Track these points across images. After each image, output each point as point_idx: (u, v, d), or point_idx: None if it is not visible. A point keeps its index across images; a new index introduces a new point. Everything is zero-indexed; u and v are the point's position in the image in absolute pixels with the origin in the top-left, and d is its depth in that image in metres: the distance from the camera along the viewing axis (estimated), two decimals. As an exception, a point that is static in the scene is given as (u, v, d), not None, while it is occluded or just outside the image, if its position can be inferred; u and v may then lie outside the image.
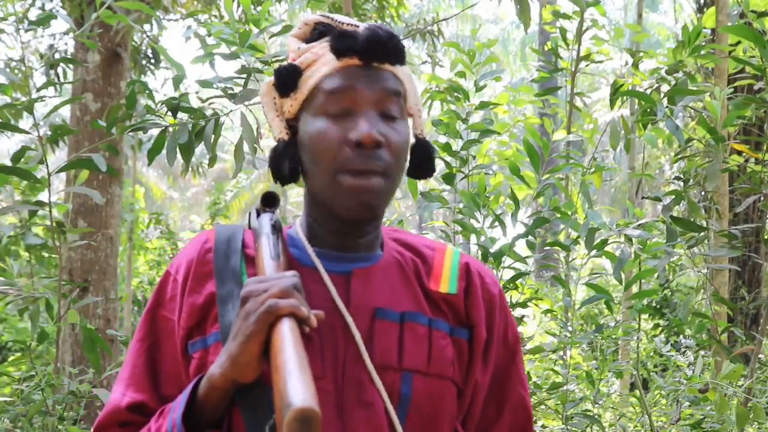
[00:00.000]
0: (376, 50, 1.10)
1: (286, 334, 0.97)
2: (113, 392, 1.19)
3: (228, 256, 1.16)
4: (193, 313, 1.15)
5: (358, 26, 1.13)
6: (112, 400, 1.18)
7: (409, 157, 1.17)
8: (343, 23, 1.15)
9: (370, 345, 1.10)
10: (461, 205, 2.93)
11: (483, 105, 3.14)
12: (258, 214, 1.22)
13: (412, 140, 1.18)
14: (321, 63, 1.12)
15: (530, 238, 2.81)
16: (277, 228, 1.17)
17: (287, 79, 1.13)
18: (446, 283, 1.18)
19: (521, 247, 2.87)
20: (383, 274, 1.16)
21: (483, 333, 1.18)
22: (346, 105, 1.10)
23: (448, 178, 2.99)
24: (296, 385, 0.90)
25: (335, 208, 1.11)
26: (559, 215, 2.83)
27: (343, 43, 1.10)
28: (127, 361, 1.20)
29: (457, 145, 3.07)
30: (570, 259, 3.13)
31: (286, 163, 1.14)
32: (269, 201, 1.23)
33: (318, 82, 1.11)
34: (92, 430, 1.20)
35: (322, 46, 1.13)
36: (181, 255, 1.22)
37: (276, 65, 1.29)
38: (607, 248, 2.82)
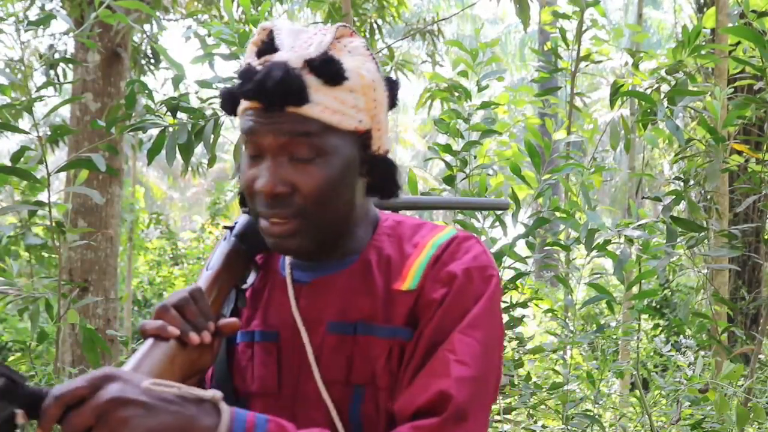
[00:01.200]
0: (270, 95, 1.02)
1: (134, 355, 1.00)
2: None
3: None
4: None
5: (273, 53, 1.05)
6: None
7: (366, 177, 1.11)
8: (282, 46, 1.06)
9: (320, 359, 1.09)
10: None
11: (485, 105, 3.13)
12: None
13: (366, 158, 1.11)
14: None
15: (530, 238, 2.81)
16: (236, 231, 1.18)
17: (226, 103, 1.10)
18: (409, 281, 1.10)
19: (522, 248, 2.87)
20: (347, 281, 1.12)
21: (429, 317, 1.06)
22: (256, 150, 1.06)
23: (449, 179, 2.99)
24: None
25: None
26: (560, 215, 2.83)
27: (242, 85, 1.04)
28: None
29: (457, 144, 3.07)
30: (570, 260, 3.13)
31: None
32: (243, 201, 1.19)
33: (241, 117, 1.08)
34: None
35: None
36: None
37: None
38: (608, 248, 2.82)
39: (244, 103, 1.06)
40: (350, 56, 1.07)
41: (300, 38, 1.08)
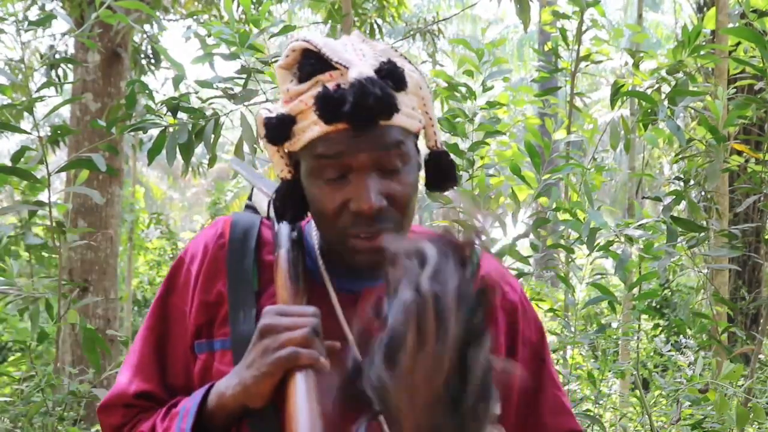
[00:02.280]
0: (366, 116, 0.99)
1: (301, 386, 0.96)
2: (120, 374, 1.19)
3: (242, 256, 1.14)
4: (201, 310, 1.14)
5: (348, 67, 1.01)
6: (119, 383, 1.18)
7: (424, 172, 1.11)
8: (332, 60, 1.03)
9: None
10: (463, 205, 2.92)
11: (490, 104, 3.13)
12: (271, 205, 1.17)
13: (426, 153, 1.12)
14: (311, 119, 1.02)
15: (533, 239, 2.81)
16: (297, 241, 1.13)
17: (279, 131, 1.05)
18: None
19: (523, 248, 2.87)
20: None
21: (500, 346, 1.14)
22: (341, 171, 1.02)
23: (454, 179, 2.97)
24: None
25: (349, 262, 1.07)
26: (561, 216, 2.83)
27: (328, 110, 1.00)
28: (135, 346, 1.20)
29: (463, 144, 3.07)
30: (570, 260, 3.13)
31: (290, 208, 1.09)
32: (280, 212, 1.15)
33: (308, 143, 1.03)
34: (97, 409, 1.21)
35: (310, 96, 1.03)
36: (196, 242, 1.19)
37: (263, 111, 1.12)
38: (610, 248, 2.82)
39: (318, 128, 1.02)
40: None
41: (346, 49, 1.05)
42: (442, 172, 1.12)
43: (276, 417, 1.01)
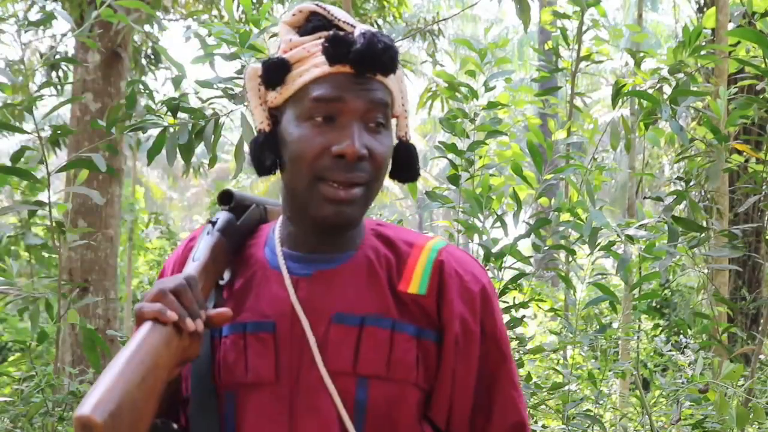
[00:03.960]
0: (372, 61, 1.07)
1: (133, 337, 1.00)
2: None
3: None
4: None
5: (354, 27, 1.10)
6: None
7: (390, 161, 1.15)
8: (339, 20, 1.11)
9: (324, 350, 1.09)
10: (464, 205, 2.92)
11: (491, 105, 3.13)
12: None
13: (395, 142, 1.16)
14: (311, 63, 1.09)
15: (535, 240, 2.80)
16: (218, 227, 1.17)
17: (274, 73, 1.11)
18: (416, 283, 1.14)
19: (525, 248, 2.87)
20: (350, 275, 1.14)
21: (455, 332, 1.13)
22: (332, 113, 1.07)
23: (454, 179, 2.98)
24: (93, 392, 0.93)
25: (311, 213, 1.10)
26: (563, 216, 2.83)
27: (337, 49, 1.06)
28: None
29: (463, 144, 3.07)
30: (570, 260, 3.13)
31: (268, 156, 1.13)
32: (223, 199, 1.23)
33: (305, 84, 1.09)
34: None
35: (315, 44, 1.10)
36: (174, 253, 1.25)
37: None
38: (611, 248, 2.82)
39: (319, 69, 1.08)
40: None
41: (355, 20, 1.13)
42: (407, 163, 1.17)
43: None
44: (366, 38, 1.06)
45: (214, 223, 1.19)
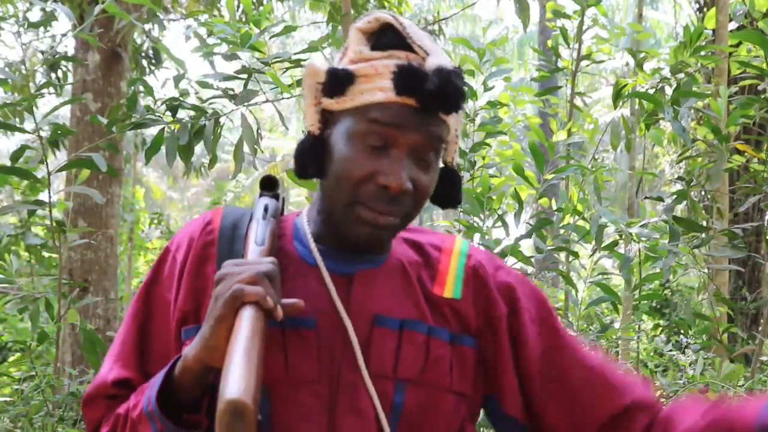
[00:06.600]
0: (440, 103, 1.04)
1: (244, 322, 0.95)
2: (103, 366, 1.19)
3: (232, 243, 1.14)
4: (189, 296, 1.13)
5: (428, 54, 1.06)
6: (100, 373, 1.18)
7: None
8: (413, 41, 1.07)
9: (367, 352, 1.08)
10: (465, 205, 2.92)
11: (491, 104, 3.12)
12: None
13: (441, 165, 1.14)
14: (377, 85, 1.05)
15: (538, 241, 2.80)
16: (271, 213, 1.14)
17: (338, 84, 1.07)
18: (450, 288, 1.15)
19: (526, 248, 2.87)
20: (386, 278, 1.13)
21: (503, 330, 1.15)
22: (386, 141, 1.05)
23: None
24: (234, 376, 0.89)
25: (345, 230, 1.09)
26: (564, 215, 2.82)
27: (408, 81, 1.03)
28: (118, 335, 1.20)
29: (464, 144, 3.06)
30: (570, 260, 3.12)
31: (311, 164, 1.10)
32: (267, 184, 1.20)
33: (367, 105, 1.06)
34: (81, 401, 1.21)
35: (384, 64, 1.06)
36: (182, 233, 1.20)
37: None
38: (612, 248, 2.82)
39: (384, 95, 1.05)
40: None
41: (429, 41, 1.09)
42: (450, 188, 1.15)
43: None
44: (439, 78, 1.03)
45: (266, 208, 1.16)
